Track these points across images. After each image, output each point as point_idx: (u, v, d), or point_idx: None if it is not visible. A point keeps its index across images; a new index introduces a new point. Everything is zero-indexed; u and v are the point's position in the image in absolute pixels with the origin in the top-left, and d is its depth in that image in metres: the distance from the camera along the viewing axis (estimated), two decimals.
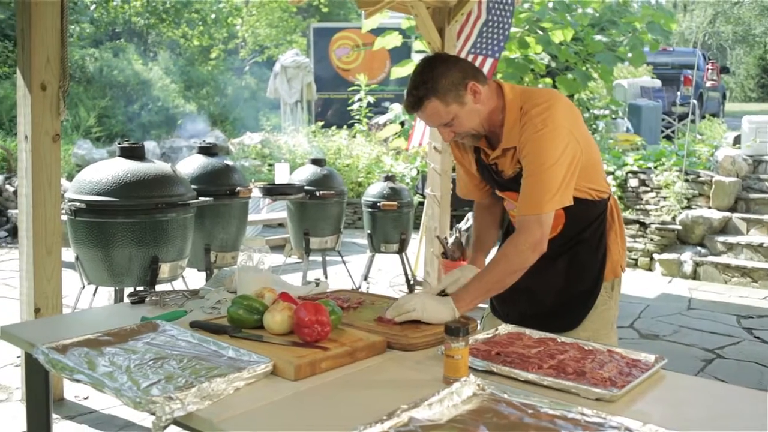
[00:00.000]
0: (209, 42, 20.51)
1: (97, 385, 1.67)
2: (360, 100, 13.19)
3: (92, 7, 17.95)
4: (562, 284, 2.46)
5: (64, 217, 4.19)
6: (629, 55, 10.01)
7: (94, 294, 4.42)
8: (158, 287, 4.56)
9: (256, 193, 5.93)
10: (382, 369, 1.90)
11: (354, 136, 13.05)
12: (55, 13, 3.81)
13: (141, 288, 4.33)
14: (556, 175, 2.21)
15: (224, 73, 19.52)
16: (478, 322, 2.70)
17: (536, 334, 2.18)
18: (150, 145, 12.32)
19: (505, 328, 2.23)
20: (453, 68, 2.25)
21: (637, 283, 7.67)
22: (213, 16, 20.15)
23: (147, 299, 2.47)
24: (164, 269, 4.33)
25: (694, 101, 10.40)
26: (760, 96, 35.52)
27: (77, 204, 4.12)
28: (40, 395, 2.13)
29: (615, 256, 2.55)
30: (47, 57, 3.79)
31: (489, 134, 2.36)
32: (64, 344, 1.91)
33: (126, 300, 2.53)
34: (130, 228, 4.13)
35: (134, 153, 4.37)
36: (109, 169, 4.22)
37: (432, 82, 2.22)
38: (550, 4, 9.72)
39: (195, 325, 2.10)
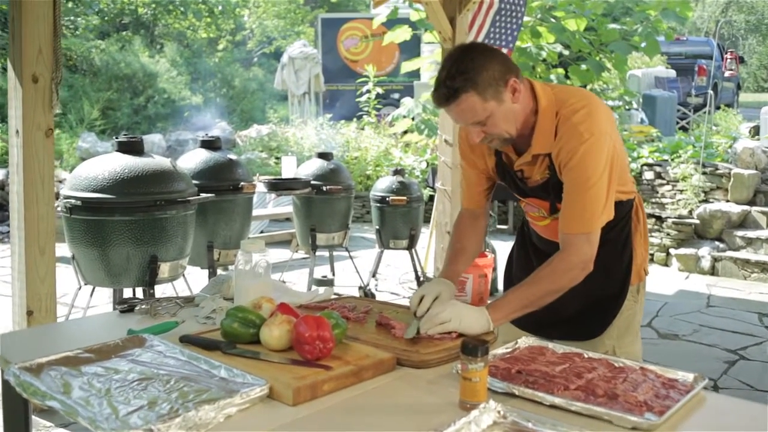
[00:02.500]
0: (216, 33, 20.32)
1: (70, 413, 1.49)
2: (368, 91, 12.97)
3: None
4: (585, 289, 2.25)
5: (60, 215, 4.03)
6: (643, 44, 9.76)
7: (91, 294, 4.25)
8: (158, 287, 4.39)
9: (260, 188, 5.74)
10: (391, 391, 1.71)
11: (362, 128, 12.85)
12: (48, 2, 3.63)
13: (140, 288, 4.17)
14: (602, 189, 2.07)
15: (231, 64, 19.33)
16: (496, 329, 2.52)
17: (560, 348, 1.98)
18: (156, 138, 12.15)
19: (525, 341, 2.04)
20: (494, 60, 2.05)
21: (654, 280, 7.45)
22: (220, 7, 19.94)
23: (137, 308, 2.29)
24: (164, 269, 4.14)
25: (710, 92, 10.12)
26: None
27: (73, 201, 3.94)
28: (18, 413, 1.96)
29: (639, 259, 2.38)
30: (39, 48, 3.60)
31: (516, 138, 2.16)
32: (39, 363, 1.73)
33: (115, 308, 2.35)
34: (127, 226, 3.94)
35: (132, 147, 4.18)
36: (105, 164, 4.03)
37: (473, 73, 1.99)
38: None
39: (185, 340, 1.91)
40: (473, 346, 1.58)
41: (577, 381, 1.73)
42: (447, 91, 2.02)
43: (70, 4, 16.64)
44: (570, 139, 2.06)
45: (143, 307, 2.27)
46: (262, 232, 9.11)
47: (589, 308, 2.34)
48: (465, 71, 2.00)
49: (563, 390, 1.67)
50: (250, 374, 1.66)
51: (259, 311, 1.97)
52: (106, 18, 18.20)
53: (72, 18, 16.72)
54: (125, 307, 2.30)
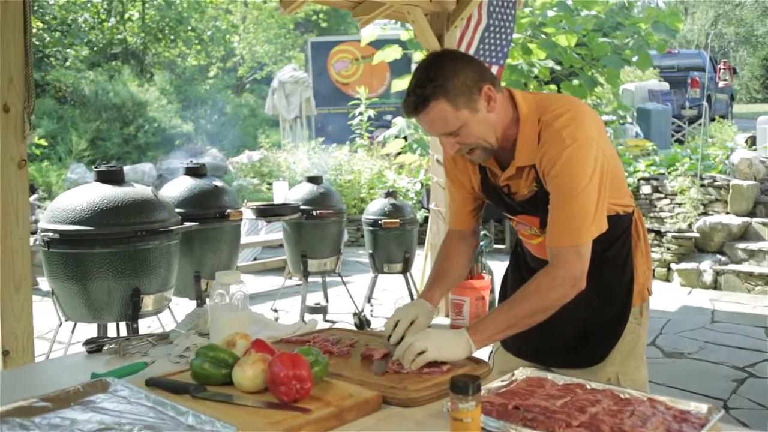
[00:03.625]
0: (207, 60, 20.26)
1: None
2: (360, 114, 12.87)
3: (87, 29, 17.72)
4: (584, 312, 2.10)
5: (39, 249, 3.88)
6: (635, 58, 9.68)
7: (72, 331, 4.09)
8: (143, 321, 4.24)
9: (248, 214, 5.60)
10: None
11: (355, 151, 12.73)
12: (18, 28, 3.49)
13: (123, 323, 4.02)
14: (591, 198, 1.90)
15: (222, 91, 19.27)
16: (490, 358, 2.36)
17: (560, 379, 1.83)
18: (146, 167, 12.04)
19: (522, 373, 1.88)
20: (466, 67, 1.92)
21: (656, 296, 7.22)
22: (209, 33, 19.90)
23: (105, 348, 2.13)
24: (147, 302, 3.98)
25: (705, 103, 10.02)
26: (765, 97, 35.20)
27: (50, 234, 3.80)
28: None
29: (642, 278, 2.21)
30: (10, 76, 3.46)
31: (499, 151, 2.02)
32: None
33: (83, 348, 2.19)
34: (108, 258, 3.79)
35: (112, 177, 4.04)
36: (84, 195, 3.89)
37: (443, 80, 1.87)
38: (553, 9, 9.41)
39: (152, 383, 1.75)
40: (463, 384, 1.42)
41: (580, 416, 1.57)
42: (416, 99, 1.89)
43: (57, 35, 16.58)
44: (552, 145, 1.92)
45: (112, 346, 2.11)
46: (255, 259, 8.97)
47: (590, 332, 2.18)
48: (434, 78, 1.87)
49: (565, 427, 1.52)
50: (219, 421, 1.50)
51: (232, 349, 1.82)
52: (95, 48, 18.14)
53: (60, 49, 16.64)
54: (93, 347, 2.14)
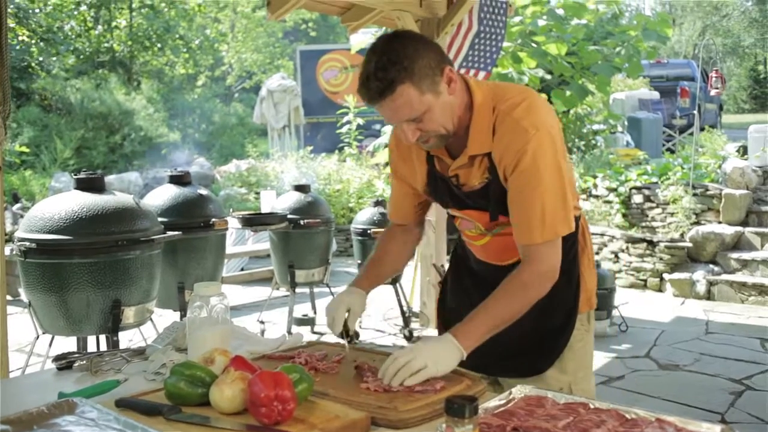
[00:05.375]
0: (195, 69, 20.13)
1: None
2: (349, 122, 12.77)
3: (74, 37, 17.56)
4: (530, 318, 1.96)
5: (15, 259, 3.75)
6: (626, 65, 9.64)
7: (50, 344, 3.95)
8: (123, 334, 4.10)
9: (234, 224, 5.47)
10: None
11: (344, 160, 12.62)
12: None
13: (103, 335, 3.88)
14: (560, 186, 1.86)
15: (210, 100, 19.14)
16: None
17: (561, 397, 1.71)
18: (132, 176, 11.90)
19: (520, 390, 1.76)
20: (428, 48, 1.80)
21: (649, 306, 7.20)
22: (197, 41, 19.77)
23: (76, 364, 2.00)
24: (128, 314, 3.85)
25: (695, 112, 9.98)
26: (753, 107, 35.37)
27: (27, 244, 3.66)
28: None
29: (589, 284, 2.14)
30: None
31: (451, 138, 1.92)
32: None
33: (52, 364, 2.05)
34: (87, 269, 3.66)
35: (92, 185, 3.91)
36: (62, 203, 3.76)
37: (407, 62, 1.74)
38: (543, 18, 9.35)
39: (122, 404, 1.62)
40: (459, 406, 1.30)
41: None
42: (380, 83, 1.74)
43: (43, 44, 16.41)
44: (514, 138, 1.83)
45: (83, 363, 1.98)
46: (242, 269, 8.82)
47: (536, 340, 2.09)
48: (398, 61, 1.74)
49: None
50: None
51: (210, 366, 1.69)
52: (81, 57, 17.97)
53: (45, 58, 16.47)
54: (63, 363, 2.00)
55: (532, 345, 2.08)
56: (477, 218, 2.03)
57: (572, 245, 2.06)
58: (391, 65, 1.73)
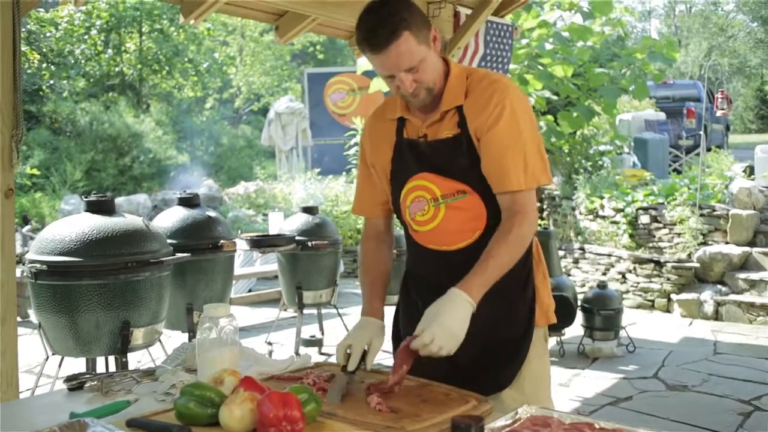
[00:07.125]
0: (203, 92, 20.27)
1: None
2: (356, 144, 12.82)
3: (84, 61, 17.73)
4: (485, 331, 2.00)
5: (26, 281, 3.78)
6: (632, 87, 9.67)
7: (59, 365, 3.97)
8: (132, 355, 4.13)
9: (242, 245, 5.50)
10: None
11: (351, 182, 12.66)
12: (7, 55, 3.42)
13: (112, 357, 3.90)
14: (538, 140, 2.03)
15: (219, 122, 19.25)
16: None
17: (567, 417, 1.72)
18: (141, 198, 11.97)
19: (526, 411, 1.77)
20: (415, 6, 1.98)
21: (656, 327, 7.19)
22: (206, 65, 19.93)
23: (87, 385, 2.02)
24: (137, 335, 3.87)
25: (702, 133, 10.00)
26: (760, 127, 35.37)
27: (38, 266, 3.70)
28: None
29: (545, 299, 2.17)
30: None
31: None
32: None
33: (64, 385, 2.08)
34: (97, 291, 3.69)
35: (102, 207, 3.95)
36: (73, 226, 3.80)
37: (406, 13, 1.91)
38: (549, 41, 9.41)
39: (133, 424, 1.65)
40: (466, 426, 1.33)
41: None
42: (386, 31, 1.89)
43: (53, 68, 16.57)
44: (493, 94, 1.98)
45: (94, 383, 2.01)
46: (250, 290, 8.85)
47: (491, 353, 2.08)
48: (397, 12, 1.90)
49: None
50: None
51: (220, 387, 1.72)
52: (91, 80, 18.13)
53: (55, 81, 16.63)
54: (74, 384, 2.03)
55: (489, 360, 2.08)
56: (436, 182, 2.05)
57: (528, 255, 2.11)
58: (395, 15, 1.89)
